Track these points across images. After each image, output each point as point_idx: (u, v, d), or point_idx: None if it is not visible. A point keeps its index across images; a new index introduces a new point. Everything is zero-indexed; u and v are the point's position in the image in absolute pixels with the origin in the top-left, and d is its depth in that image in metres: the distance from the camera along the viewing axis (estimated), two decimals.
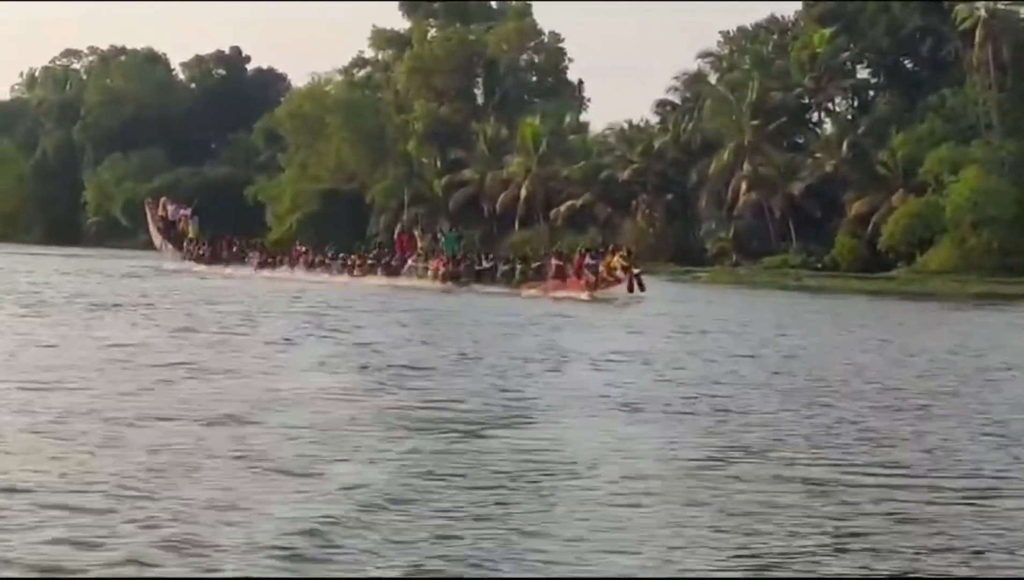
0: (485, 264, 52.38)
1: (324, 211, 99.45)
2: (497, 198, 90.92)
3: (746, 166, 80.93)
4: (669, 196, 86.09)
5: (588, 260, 47.78)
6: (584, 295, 45.45)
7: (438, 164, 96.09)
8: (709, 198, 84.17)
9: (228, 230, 72.00)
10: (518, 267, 50.74)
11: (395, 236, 63.62)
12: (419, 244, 57.72)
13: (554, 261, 49.35)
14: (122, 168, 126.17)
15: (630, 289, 45.72)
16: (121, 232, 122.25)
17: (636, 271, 46.83)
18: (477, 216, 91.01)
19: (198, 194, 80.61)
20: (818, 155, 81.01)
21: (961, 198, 70.63)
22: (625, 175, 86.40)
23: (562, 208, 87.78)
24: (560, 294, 46.00)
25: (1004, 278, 65.99)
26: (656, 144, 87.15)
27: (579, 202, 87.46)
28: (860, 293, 60.77)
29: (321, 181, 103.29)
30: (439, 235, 60.18)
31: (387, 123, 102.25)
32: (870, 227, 75.15)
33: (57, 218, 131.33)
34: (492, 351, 23.63)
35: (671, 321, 35.07)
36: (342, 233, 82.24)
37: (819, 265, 75.62)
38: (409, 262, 55.19)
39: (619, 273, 46.49)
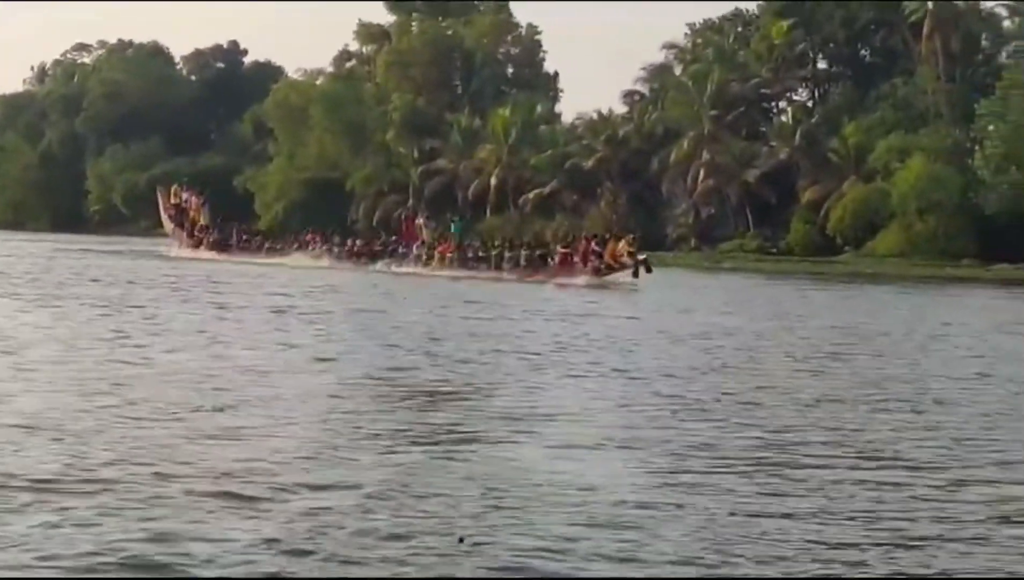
0: (492, 252, 53.36)
1: (308, 199, 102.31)
2: (469, 186, 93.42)
3: (704, 154, 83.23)
4: (633, 184, 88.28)
5: (593, 246, 48.84)
6: (587, 281, 46.37)
7: (415, 153, 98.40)
8: (671, 185, 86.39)
9: (220, 218, 74.15)
10: (523, 254, 51.43)
11: (401, 225, 65.74)
12: (424, 233, 59.89)
13: (560, 248, 50.79)
14: (122, 158, 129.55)
15: (635, 274, 46.44)
16: (122, 220, 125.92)
17: (642, 257, 47.87)
18: (451, 203, 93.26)
19: (193, 183, 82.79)
20: (773, 144, 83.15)
21: (907, 185, 72.33)
22: (590, 163, 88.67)
23: (531, 195, 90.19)
24: (565, 281, 46.66)
25: (946, 262, 68.08)
26: (620, 133, 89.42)
27: (547, 190, 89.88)
28: (797, 275, 62.95)
29: (305, 171, 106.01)
30: (428, 221, 62.62)
31: (367, 114, 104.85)
32: (822, 213, 77.15)
33: (62, 206, 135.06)
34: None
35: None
36: (325, 220, 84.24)
37: (774, 250, 77.78)
38: (415, 250, 56.67)
39: (625, 259, 47.63)
